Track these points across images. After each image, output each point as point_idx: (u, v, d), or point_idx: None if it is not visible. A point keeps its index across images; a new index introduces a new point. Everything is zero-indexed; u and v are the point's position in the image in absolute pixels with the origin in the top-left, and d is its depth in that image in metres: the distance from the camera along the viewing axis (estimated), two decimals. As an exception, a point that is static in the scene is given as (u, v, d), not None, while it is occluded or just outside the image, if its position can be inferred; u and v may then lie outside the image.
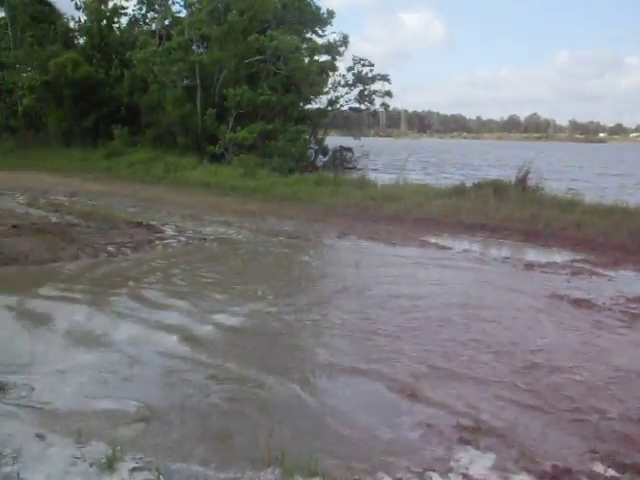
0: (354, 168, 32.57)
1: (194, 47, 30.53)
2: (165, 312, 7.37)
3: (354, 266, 10.08)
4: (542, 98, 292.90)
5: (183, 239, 12.25)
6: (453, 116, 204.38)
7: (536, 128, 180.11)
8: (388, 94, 31.88)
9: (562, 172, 35.55)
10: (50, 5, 40.60)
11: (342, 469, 3.97)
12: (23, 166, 29.67)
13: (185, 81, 30.80)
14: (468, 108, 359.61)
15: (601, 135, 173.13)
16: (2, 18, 40.84)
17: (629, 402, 5.18)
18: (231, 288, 8.60)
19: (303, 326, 6.97)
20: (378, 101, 32.50)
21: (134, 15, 38.27)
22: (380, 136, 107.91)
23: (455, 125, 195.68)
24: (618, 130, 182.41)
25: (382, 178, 23.79)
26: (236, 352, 6.04)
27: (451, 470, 4.03)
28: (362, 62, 31.43)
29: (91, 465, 3.88)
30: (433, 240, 12.80)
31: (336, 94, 32.36)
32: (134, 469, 3.88)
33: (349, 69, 31.65)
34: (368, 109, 33.31)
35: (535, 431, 4.61)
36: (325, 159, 33.62)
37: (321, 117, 32.90)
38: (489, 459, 4.19)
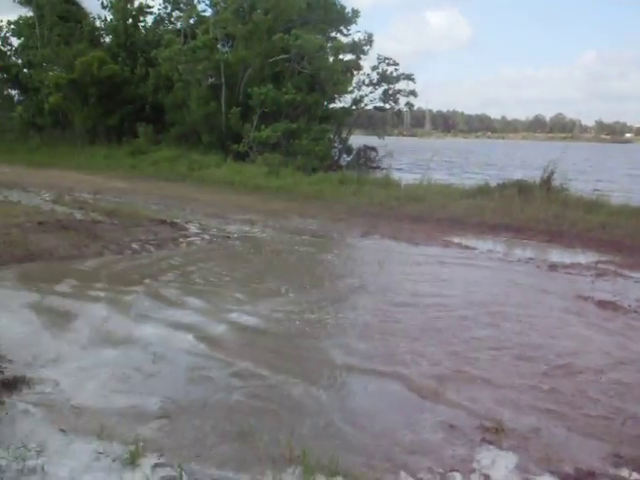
0: (378, 167, 32.50)
1: (219, 46, 30.59)
2: (187, 310, 7.38)
3: (377, 265, 10.05)
4: (568, 98, 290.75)
5: (207, 237, 12.27)
6: (478, 116, 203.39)
7: (561, 128, 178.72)
8: (413, 93, 31.77)
9: (587, 173, 35.32)
10: (77, 4, 40.86)
11: (363, 469, 3.95)
12: (49, 163, 29.88)
13: (210, 80, 30.87)
14: (493, 108, 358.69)
15: (627, 135, 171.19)
16: (30, 17, 41.18)
17: (655, 405, 5.12)
18: (254, 286, 8.60)
19: (325, 325, 6.96)
20: (402, 100, 32.39)
21: (159, 14, 38.46)
22: (404, 135, 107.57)
23: (480, 125, 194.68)
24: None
25: (406, 178, 23.73)
26: (257, 350, 6.03)
27: (473, 471, 4.01)
28: (387, 61, 31.33)
29: (114, 460, 3.89)
30: (457, 240, 12.74)
31: (360, 93, 32.30)
32: (156, 465, 3.88)
33: (374, 68, 31.56)
34: (392, 108, 33.20)
35: (559, 433, 4.56)
36: (349, 158, 33.56)
37: (345, 116, 32.85)
38: (512, 460, 4.16)
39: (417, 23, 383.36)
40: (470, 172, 36.65)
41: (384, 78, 31.43)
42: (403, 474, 3.93)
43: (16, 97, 45.51)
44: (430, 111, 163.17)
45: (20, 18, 42.38)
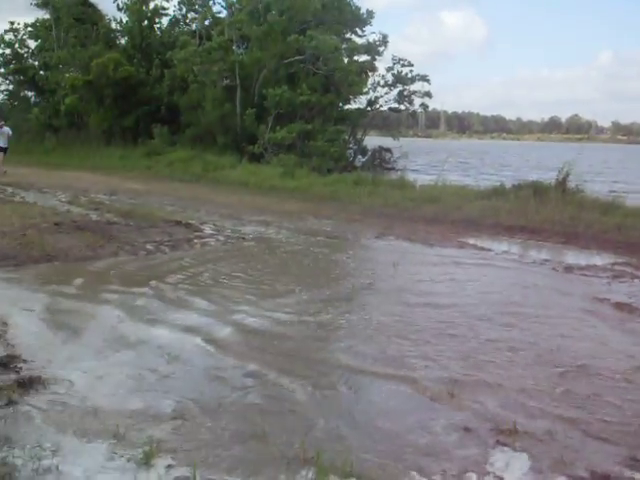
0: (393, 169, 32.52)
1: (234, 47, 30.66)
2: (200, 310, 7.38)
3: (392, 267, 10.03)
4: (584, 99, 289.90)
5: (222, 238, 12.29)
6: (493, 117, 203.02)
7: (577, 129, 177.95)
8: (428, 94, 31.77)
9: (603, 174, 35.18)
10: (93, 6, 41.09)
11: (377, 471, 3.94)
12: (65, 164, 30.03)
13: (225, 81, 30.94)
14: (508, 109, 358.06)
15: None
16: (46, 20, 41.44)
17: (672, 409, 5.08)
18: (268, 287, 8.60)
19: (339, 327, 6.94)
20: (417, 101, 32.43)
21: (175, 15, 38.64)
22: (419, 137, 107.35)
23: (495, 126, 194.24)
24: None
25: (421, 179, 23.69)
26: (271, 352, 6.02)
27: (487, 473, 3.98)
28: (402, 62, 31.35)
29: (128, 460, 3.90)
30: (472, 241, 12.71)
31: (375, 94, 32.34)
32: (170, 466, 3.88)
33: (388, 69, 31.59)
34: (407, 109, 33.21)
35: (574, 436, 4.53)
36: (364, 159, 33.58)
37: (360, 117, 32.86)
38: (526, 463, 4.13)
39: (432, 24, 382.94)
40: (485, 173, 36.63)
41: (399, 79, 31.44)
42: (417, 476, 3.92)
43: (32, 99, 45.86)
44: (445, 112, 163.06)
45: (37, 21, 42.75)
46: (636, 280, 9.75)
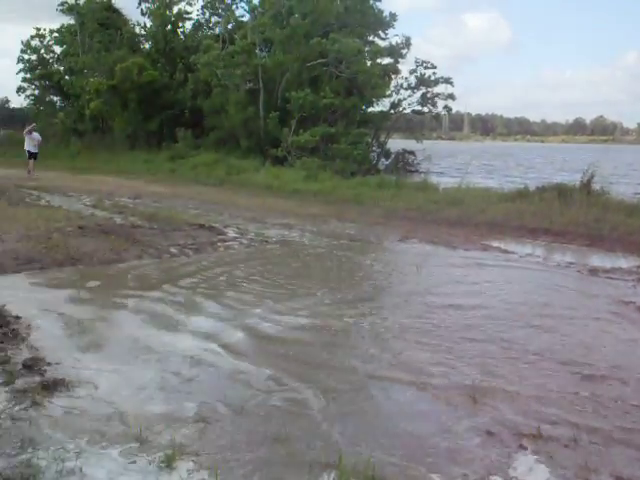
0: (416, 171, 32.57)
1: (257, 51, 30.78)
2: (224, 313, 7.38)
3: (415, 270, 10.00)
4: (609, 100, 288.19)
5: (245, 241, 12.30)
6: (517, 119, 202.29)
7: (602, 131, 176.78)
8: (451, 97, 31.78)
9: (629, 176, 34.92)
10: (117, 11, 41.49)
11: (399, 474, 3.92)
12: (89, 168, 30.27)
13: (248, 84, 31.07)
14: (532, 111, 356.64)
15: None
16: (72, 25, 41.84)
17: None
18: (290, 290, 8.58)
19: (361, 331, 6.91)
20: (441, 104, 32.48)
21: (198, 20, 38.96)
22: (443, 139, 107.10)
23: (519, 128, 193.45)
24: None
25: (444, 181, 23.64)
26: (293, 356, 6.01)
27: (510, 478, 3.95)
28: (425, 64, 31.38)
29: (150, 463, 3.91)
30: (495, 244, 12.64)
31: (398, 97, 32.43)
32: (192, 469, 3.89)
33: (412, 72, 31.64)
34: (431, 112, 33.22)
35: (598, 442, 4.48)
36: (387, 162, 33.64)
37: (383, 120, 32.89)
38: (549, 469, 4.09)
39: (455, 26, 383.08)
40: (509, 175, 36.45)
41: (422, 82, 31.46)
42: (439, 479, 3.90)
43: (58, 103, 46.38)
44: (469, 114, 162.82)
45: (62, 26, 43.22)
46: (662, 283, 9.65)
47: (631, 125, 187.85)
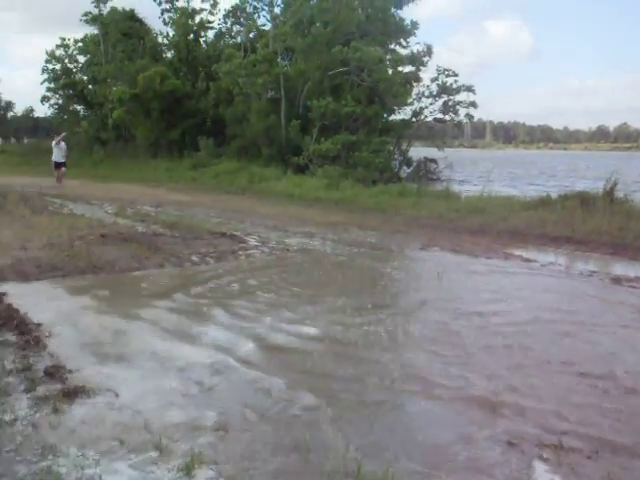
0: (438, 179, 32.52)
1: (279, 59, 30.89)
2: (244, 321, 7.38)
3: (436, 278, 9.95)
4: (632, 107, 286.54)
5: (266, 250, 12.30)
6: (539, 126, 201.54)
7: (626, 138, 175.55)
8: (473, 105, 31.68)
9: (653, 183, 34.61)
10: (140, 21, 41.86)
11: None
12: (112, 177, 30.51)
13: (269, 93, 31.20)
14: (555, 118, 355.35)
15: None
16: (95, 35, 42.25)
17: None
18: (309, 298, 8.56)
19: (381, 339, 6.87)
20: (463, 112, 32.37)
21: (220, 29, 39.19)
22: (465, 147, 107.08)
23: (541, 136, 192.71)
24: None
25: (466, 190, 23.57)
26: (316, 364, 6.00)
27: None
28: (446, 72, 31.32)
29: (169, 471, 3.91)
30: (517, 252, 12.55)
31: (420, 105, 32.37)
32: (211, 477, 3.89)
33: (433, 80, 31.58)
34: (452, 120, 33.13)
35: (622, 454, 4.42)
36: (409, 170, 33.60)
37: (405, 128, 32.86)
38: (572, 480, 4.05)
39: (477, 33, 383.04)
40: (532, 183, 36.31)
41: (444, 90, 31.39)
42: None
43: (81, 112, 46.82)
44: (491, 122, 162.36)
45: (86, 36, 43.64)
46: (687, 292, 9.54)
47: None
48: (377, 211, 18.91)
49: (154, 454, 4.12)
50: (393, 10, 32.24)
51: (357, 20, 30.57)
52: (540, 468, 4.16)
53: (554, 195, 18.25)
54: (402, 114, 33.41)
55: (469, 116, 32.95)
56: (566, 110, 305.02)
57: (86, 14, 41.46)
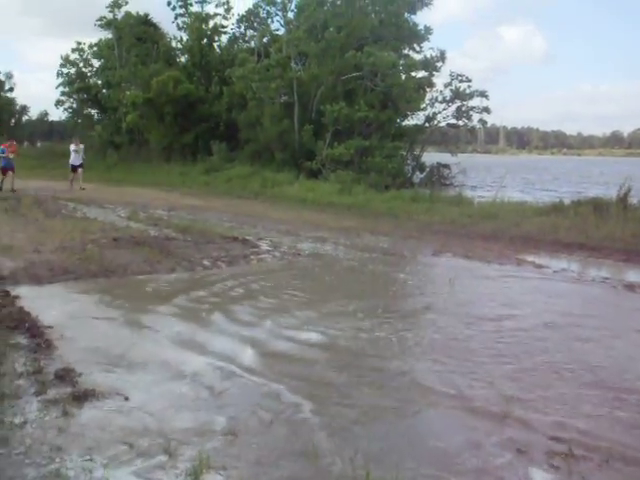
0: (451, 185, 32.42)
1: (292, 64, 30.87)
2: (254, 326, 7.39)
3: (447, 284, 9.92)
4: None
5: (278, 254, 12.30)
6: (553, 132, 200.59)
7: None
8: (486, 110, 31.56)
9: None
10: (154, 25, 42.02)
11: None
12: (125, 180, 30.60)
13: (283, 97, 31.18)
14: (569, 124, 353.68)
15: None
16: (109, 39, 42.43)
17: None
18: (321, 303, 8.55)
19: (391, 345, 6.86)
20: (476, 117, 32.22)
21: (234, 33, 39.23)
22: (478, 152, 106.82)
23: (555, 141, 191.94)
24: None
25: (479, 195, 23.51)
26: (325, 369, 5.99)
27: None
28: (459, 78, 31.24)
29: (177, 476, 3.90)
30: (530, 259, 12.49)
31: (433, 110, 32.26)
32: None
33: (446, 85, 31.50)
34: (466, 125, 33.03)
35: (633, 463, 4.37)
36: (422, 176, 33.51)
37: (418, 133, 32.79)
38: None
39: (491, 39, 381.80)
40: (545, 189, 36.20)
41: (457, 95, 31.31)
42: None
43: (95, 116, 46.99)
44: (504, 127, 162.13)
45: (100, 41, 43.83)
46: (700, 299, 9.48)
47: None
48: (389, 216, 18.87)
49: (163, 458, 4.12)
50: (407, 15, 32.19)
51: (371, 25, 30.56)
52: (549, 476, 4.14)
53: (567, 201, 18.18)
54: (415, 119, 33.35)
55: (482, 121, 32.88)
56: (580, 115, 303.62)
57: (101, 19, 41.64)
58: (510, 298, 9.23)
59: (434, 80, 32.40)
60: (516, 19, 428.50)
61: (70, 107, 47.71)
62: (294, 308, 8.20)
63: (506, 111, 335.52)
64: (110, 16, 41.34)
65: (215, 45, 39.46)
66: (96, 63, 45.53)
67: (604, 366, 6.30)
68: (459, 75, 31.33)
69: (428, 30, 32.46)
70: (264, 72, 30.17)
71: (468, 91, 31.23)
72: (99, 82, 44.82)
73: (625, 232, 14.13)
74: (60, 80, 45.62)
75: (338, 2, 31.71)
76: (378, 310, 8.26)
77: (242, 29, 38.76)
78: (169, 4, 38.96)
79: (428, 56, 32.02)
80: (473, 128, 34.06)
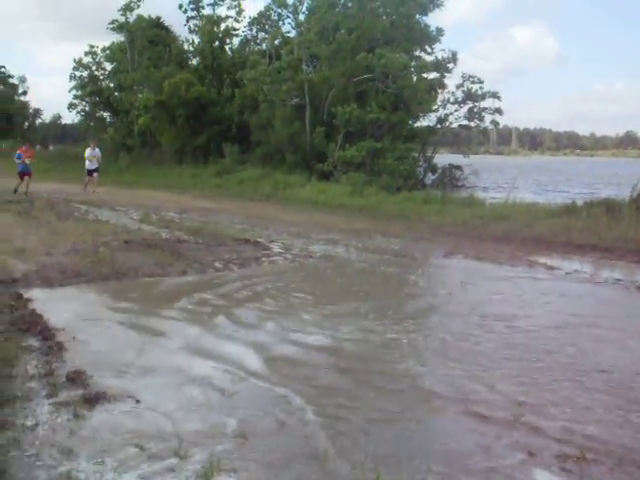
0: (463, 186, 32.36)
1: (303, 66, 30.92)
2: (260, 329, 7.39)
3: (459, 286, 9.90)
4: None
5: (289, 256, 12.30)
6: (566, 133, 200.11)
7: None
8: (498, 111, 31.52)
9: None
10: (166, 28, 42.15)
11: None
12: (137, 183, 30.65)
13: (294, 100, 31.19)
14: (581, 124, 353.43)
15: None
16: (122, 43, 42.54)
17: None
18: (332, 306, 8.54)
19: (403, 347, 6.84)
20: (488, 118, 32.22)
21: (245, 36, 39.31)
22: (490, 154, 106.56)
23: (568, 142, 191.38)
24: None
25: (491, 197, 23.45)
26: (334, 372, 5.98)
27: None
28: (471, 79, 31.23)
29: (188, 479, 3.90)
30: (542, 260, 12.44)
31: (445, 111, 32.29)
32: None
33: (458, 86, 31.49)
34: (478, 126, 33.00)
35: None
36: (434, 177, 33.49)
37: (430, 135, 32.77)
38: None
39: (503, 40, 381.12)
40: (557, 190, 36.08)
41: (469, 96, 31.29)
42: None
43: (107, 119, 47.16)
44: (517, 129, 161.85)
45: (113, 44, 43.95)
46: None
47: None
48: (401, 218, 18.85)
49: (174, 461, 4.12)
50: (418, 17, 32.20)
51: (382, 27, 30.56)
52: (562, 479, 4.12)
53: (579, 202, 18.11)
54: (427, 121, 33.39)
55: (494, 122, 32.86)
56: (593, 116, 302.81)
57: (113, 22, 41.76)
58: (521, 300, 9.19)
59: (446, 81, 32.49)
60: (528, 20, 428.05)
61: (83, 110, 47.89)
62: (304, 310, 8.20)
63: (518, 112, 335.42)
64: (122, 19, 41.48)
65: (227, 48, 39.57)
66: (108, 66, 45.70)
67: (616, 368, 6.26)
68: (471, 76, 31.35)
69: (439, 31, 32.48)
70: (275, 74, 30.20)
71: (480, 92, 31.23)
72: (111, 85, 44.94)
73: (638, 233, 14.04)
74: (73, 83, 45.89)
75: (349, 4, 31.78)
76: (389, 312, 8.25)
77: (253, 31, 38.86)
78: (181, 7, 39.22)
79: (440, 57, 32.08)
80: (485, 129, 34.01)
